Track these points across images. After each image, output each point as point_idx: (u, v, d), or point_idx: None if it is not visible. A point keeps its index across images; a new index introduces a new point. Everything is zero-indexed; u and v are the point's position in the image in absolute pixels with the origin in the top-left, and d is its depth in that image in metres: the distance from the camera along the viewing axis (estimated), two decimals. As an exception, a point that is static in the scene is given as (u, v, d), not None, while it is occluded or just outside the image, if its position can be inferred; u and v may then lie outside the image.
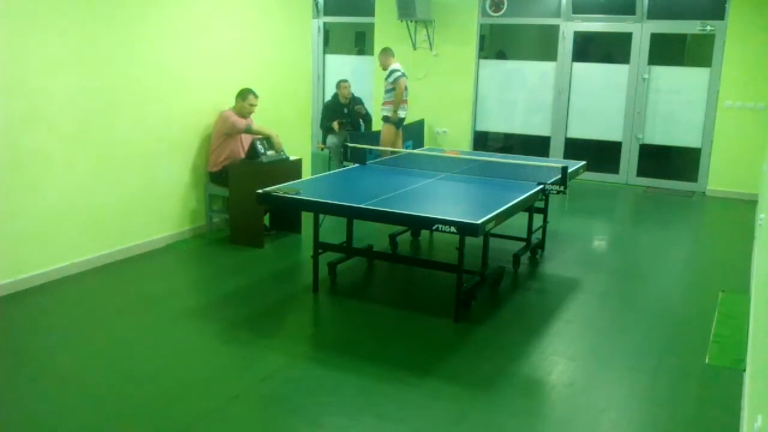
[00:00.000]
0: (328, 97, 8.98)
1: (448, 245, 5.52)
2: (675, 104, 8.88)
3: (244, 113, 5.95)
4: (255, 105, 5.97)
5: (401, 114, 7.84)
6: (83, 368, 3.63)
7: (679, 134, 8.94)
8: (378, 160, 6.00)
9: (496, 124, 10.01)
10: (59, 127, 4.79)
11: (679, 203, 8.22)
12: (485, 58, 9.89)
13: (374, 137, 7.81)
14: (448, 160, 5.89)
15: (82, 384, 3.47)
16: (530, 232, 5.60)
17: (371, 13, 10.14)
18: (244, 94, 5.93)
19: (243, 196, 5.68)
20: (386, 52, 7.95)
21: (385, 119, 7.83)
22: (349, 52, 11.43)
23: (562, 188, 4.99)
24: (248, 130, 5.90)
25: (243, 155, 5.96)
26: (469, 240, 4.23)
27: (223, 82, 6.08)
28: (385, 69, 7.91)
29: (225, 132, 5.88)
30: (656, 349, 4.07)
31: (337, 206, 4.36)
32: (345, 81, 8.37)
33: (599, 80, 9.26)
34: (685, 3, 8.78)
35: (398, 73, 7.68)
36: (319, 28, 10.71)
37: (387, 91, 7.82)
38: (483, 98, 9.90)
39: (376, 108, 10.08)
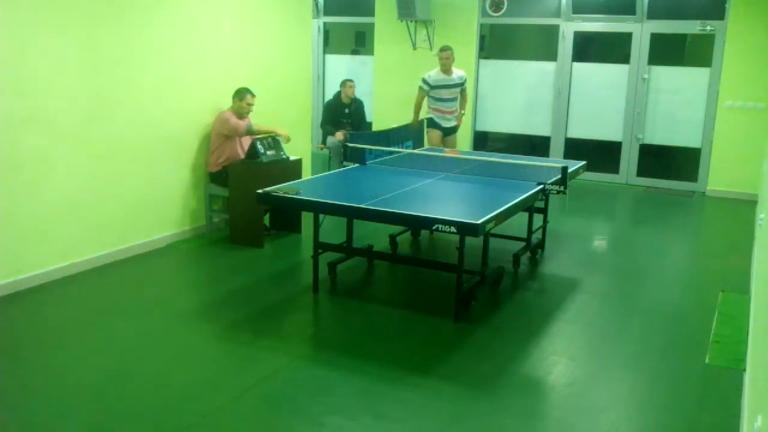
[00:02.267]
0: (329, 96, 8.96)
1: (448, 245, 5.52)
2: (675, 104, 8.88)
3: (242, 113, 5.93)
4: (252, 104, 5.96)
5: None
6: (83, 368, 3.63)
7: (679, 134, 8.94)
8: (378, 160, 6.00)
9: (496, 124, 10.00)
10: (59, 128, 4.79)
11: (679, 203, 8.22)
12: (485, 58, 9.89)
13: (374, 137, 7.80)
14: (448, 160, 5.89)
15: (82, 384, 3.47)
16: (530, 232, 5.60)
17: (371, 13, 10.14)
18: (241, 94, 5.91)
19: (243, 196, 5.68)
20: (453, 51, 7.27)
21: (458, 127, 7.52)
22: (350, 52, 11.44)
23: (562, 188, 4.99)
24: (249, 131, 5.89)
25: (243, 155, 5.95)
26: (469, 240, 4.23)
27: (224, 82, 6.08)
28: (449, 71, 7.27)
29: (224, 134, 5.87)
30: (656, 349, 4.07)
31: (337, 206, 4.36)
32: (350, 81, 8.33)
33: (599, 80, 9.25)
34: (685, 3, 8.78)
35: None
36: (319, 28, 10.71)
37: (454, 99, 7.36)
38: (483, 98, 9.90)
39: (376, 107, 10.12)
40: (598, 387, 3.63)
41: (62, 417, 3.17)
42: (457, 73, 7.34)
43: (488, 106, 9.92)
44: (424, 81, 7.32)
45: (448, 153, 6.37)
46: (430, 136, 7.53)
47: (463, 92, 7.42)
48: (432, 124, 7.51)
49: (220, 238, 6.04)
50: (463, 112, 7.56)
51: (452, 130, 7.51)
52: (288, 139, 6.03)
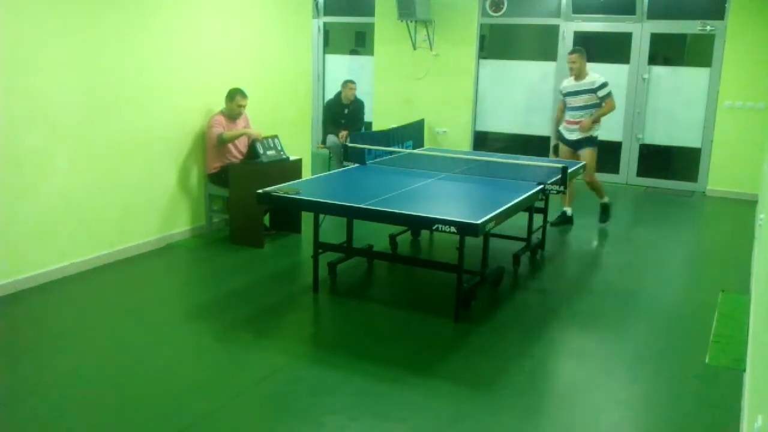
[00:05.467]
0: (329, 96, 8.97)
1: (448, 245, 5.52)
2: (675, 104, 8.89)
3: (233, 114, 5.91)
4: (243, 105, 5.90)
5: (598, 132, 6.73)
6: (83, 368, 3.63)
7: (679, 134, 8.94)
8: (378, 159, 6.00)
9: (496, 124, 10.00)
10: (60, 128, 4.79)
11: (679, 203, 8.22)
12: (485, 58, 9.89)
13: (375, 137, 7.80)
14: (448, 160, 5.90)
15: (82, 384, 3.47)
16: (530, 232, 5.60)
17: (371, 13, 10.14)
18: (231, 95, 5.87)
19: (243, 196, 5.68)
20: (583, 55, 6.54)
21: (590, 141, 6.59)
22: (349, 52, 11.45)
23: (562, 188, 4.99)
24: (221, 141, 5.79)
25: (240, 156, 5.94)
26: (469, 240, 4.23)
27: (224, 82, 6.07)
28: (580, 76, 6.55)
29: (210, 138, 5.87)
30: (656, 349, 4.07)
31: (337, 206, 4.36)
32: (351, 82, 8.32)
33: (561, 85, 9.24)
34: (685, 3, 8.78)
35: (610, 86, 6.55)
36: (319, 28, 10.71)
37: (584, 107, 6.53)
38: (483, 98, 9.90)
39: (376, 107, 10.12)
40: (598, 387, 3.63)
41: (62, 417, 3.17)
42: (590, 77, 6.52)
43: (488, 106, 9.92)
44: (560, 88, 6.82)
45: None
46: (560, 149, 6.85)
47: (603, 99, 6.49)
48: (559, 134, 6.85)
49: (220, 238, 6.04)
50: (590, 119, 6.50)
51: (578, 144, 6.61)
52: (260, 136, 5.87)
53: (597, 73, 6.63)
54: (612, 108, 6.62)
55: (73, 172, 4.92)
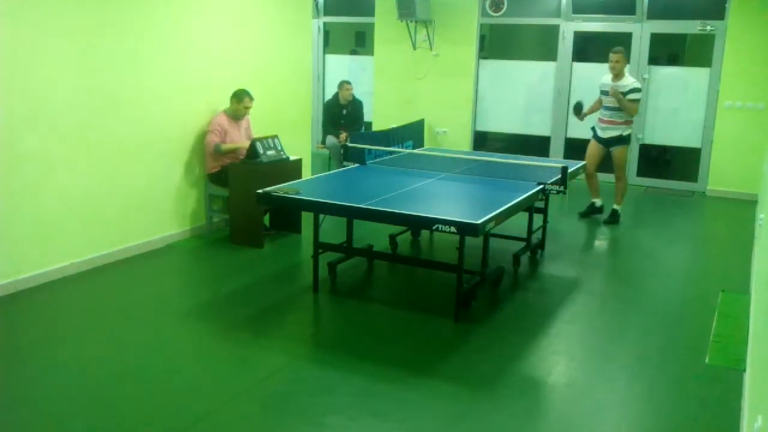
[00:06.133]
0: (329, 96, 8.97)
1: (448, 245, 5.52)
2: (675, 104, 8.89)
3: (238, 115, 5.93)
4: (250, 107, 5.94)
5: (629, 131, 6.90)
6: (83, 368, 3.63)
7: (679, 134, 8.94)
8: (378, 159, 6.00)
9: (496, 124, 10.00)
10: (60, 128, 4.79)
11: (679, 203, 8.22)
12: (485, 58, 9.89)
13: (375, 137, 7.80)
14: (448, 160, 5.90)
15: (82, 384, 3.47)
16: (530, 232, 5.60)
17: (371, 13, 10.14)
18: (239, 96, 5.89)
19: (243, 196, 5.68)
20: (625, 55, 6.69)
21: (621, 140, 6.82)
22: (349, 52, 11.45)
23: (562, 188, 4.99)
24: (217, 150, 5.81)
25: (240, 156, 5.94)
26: (469, 240, 4.23)
27: (223, 82, 6.08)
28: (618, 76, 6.69)
29: (206, 144, 5.88)
30: (656, 349, 4.07)
31: (337, 206, 4.36)
32: (347, 83, 8.33)
33: (599, 80, 9.23)
34: (685, 3, 8.78)
35: (640, 95, 6.73)
36: (319, 28, 10.71)
37: (616, 108, 6.73)
38: (483, 98, 9.90)
39: (376, 107, 10.12)
40: (598, 387, 3.63)
41: (62, 417, 3.17)
42: (625, 80, 6.67)
43: (488, 106, 9.92)
44: (599, 84, 6.96)
45: None
46: (590, 144, 7.06)
47: (627, 101, 6.65)
48: (593, 131, 7.05)
49: (220, 238, 6.04)
50: (620, 95, 6.62)
51: (609, 142, 6.83)
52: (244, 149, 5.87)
53: (633, 77, 6.84)
54: (633, 111, 6.78)
55: (72, 172, 4.92)
